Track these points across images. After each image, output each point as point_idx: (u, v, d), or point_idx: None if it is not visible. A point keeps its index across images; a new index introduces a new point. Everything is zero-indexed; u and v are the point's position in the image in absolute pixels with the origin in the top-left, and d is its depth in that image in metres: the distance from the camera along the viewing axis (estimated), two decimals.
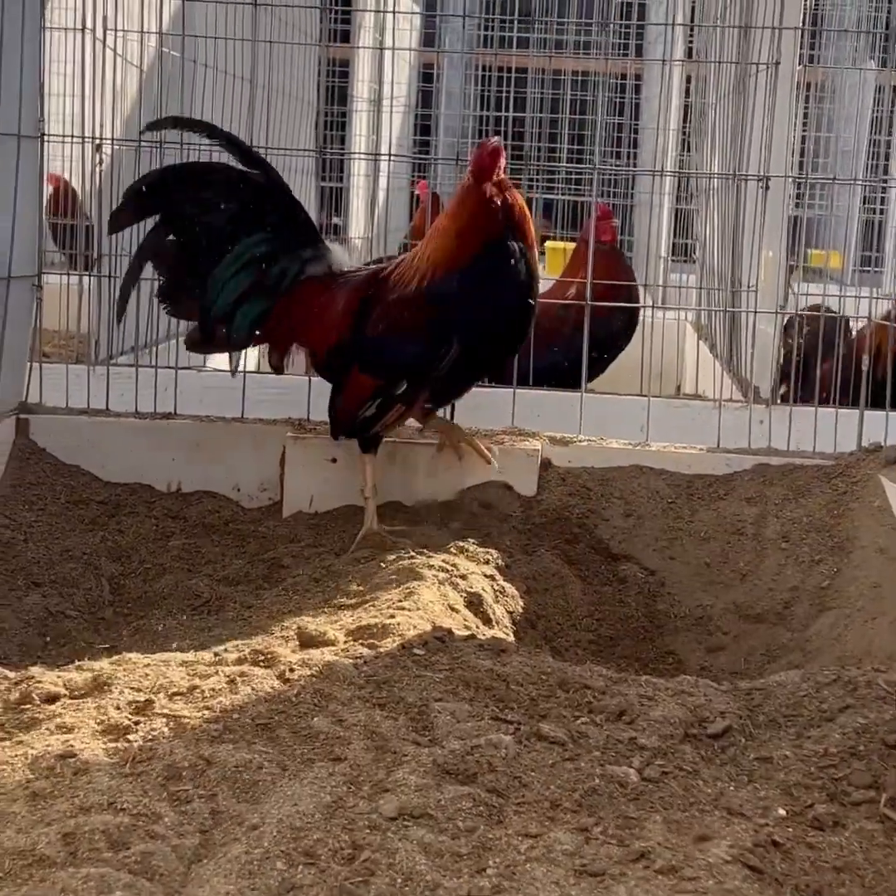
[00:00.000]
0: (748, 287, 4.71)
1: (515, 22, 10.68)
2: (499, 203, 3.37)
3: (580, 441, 3.86)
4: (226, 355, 4.16)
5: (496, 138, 3.49)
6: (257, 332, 3.62)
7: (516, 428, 3.93)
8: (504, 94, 11.49)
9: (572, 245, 8.72)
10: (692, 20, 8.15)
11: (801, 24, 4.60)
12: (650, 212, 9.29)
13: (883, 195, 8.50)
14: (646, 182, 10.33)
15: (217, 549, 3.56)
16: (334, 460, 3.76)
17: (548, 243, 8.56)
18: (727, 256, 5.35)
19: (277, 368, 3.71)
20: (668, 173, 8.04)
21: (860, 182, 8.55)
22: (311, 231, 3.68)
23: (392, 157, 8.71)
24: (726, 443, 4.10)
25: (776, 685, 2.57)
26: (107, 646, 3.13)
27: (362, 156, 8.73)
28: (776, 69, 4.50)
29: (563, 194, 10.74)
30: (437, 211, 8.35)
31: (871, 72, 9.98)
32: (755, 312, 4.60)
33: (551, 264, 8.33)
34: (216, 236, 3.56)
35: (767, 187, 4.47)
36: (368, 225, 9.11)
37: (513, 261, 3.41)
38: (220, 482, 3.87)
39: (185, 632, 3.14)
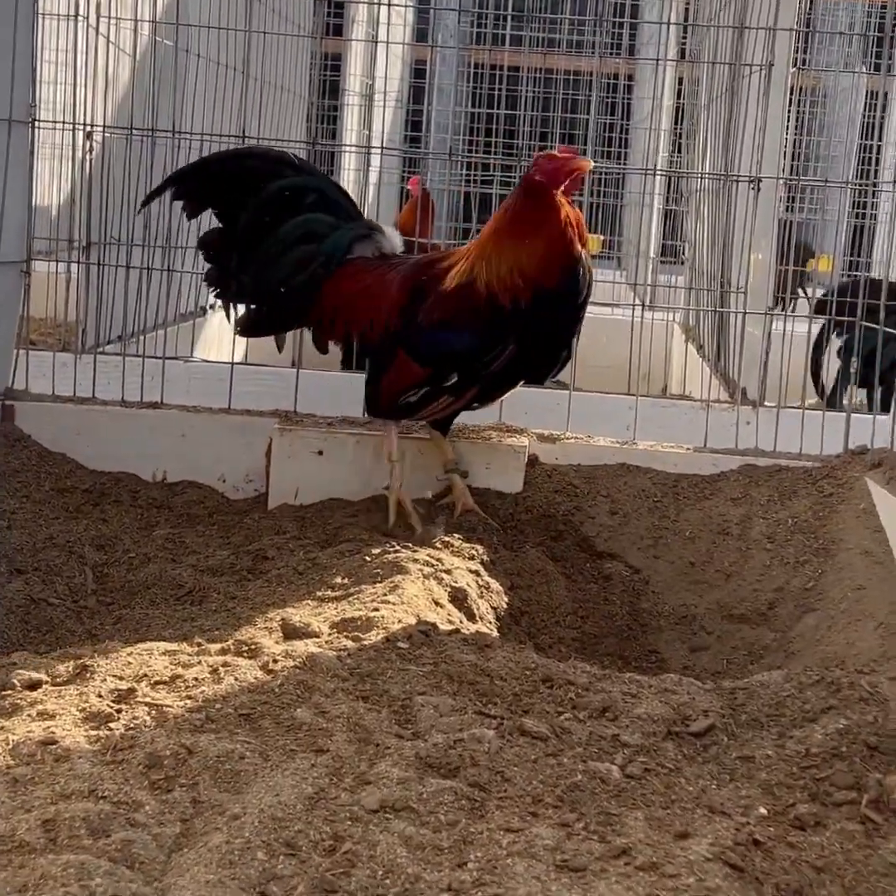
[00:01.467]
0: (737, 288, 4.72)
1: (508, 20, 10.66)
2: (575, 219, 3.37)
3: (567, 438, 3.86)
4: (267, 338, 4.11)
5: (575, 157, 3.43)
6: (306, 313, 3.64)
7: (504, 424, 3.93)
8: (496, 92, 11.52)
9: None
10: (686, 20, 8.15)
11: (795, 27, 4.60)
12: (640, 212, 9.31)
13: (873, 200, 8.51)
14: (636, 182, 10.35)
15: (201, 539, 3.55)
16: (320, 453, 3.76)
17: None
18: (717, 258, 5.36)
19: (323, 351, 3.73)
20: (660, 172, 8.04)
21: (851, 185, 8.56)
22: (355, 210, 3.70)
23: (383, 151, 8.68)
24: (713, 443, 4.11)
25: (759, 685, 2.57)
26: (89, 634, 3.13)
27: (353, 148, 8.72)
28: (770, 71, 4.50)
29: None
30: (427, 208, 8.37)
31: (862, 76, 10.01)
32: (744, 313, 4.60)
33: None
34: (261, 217, 3.59)
35: (758, 189, 4.47)
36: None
37: (585, 278, 3.43)
38: (205, 472, 3.86)
39: (168, 621, 3.13)
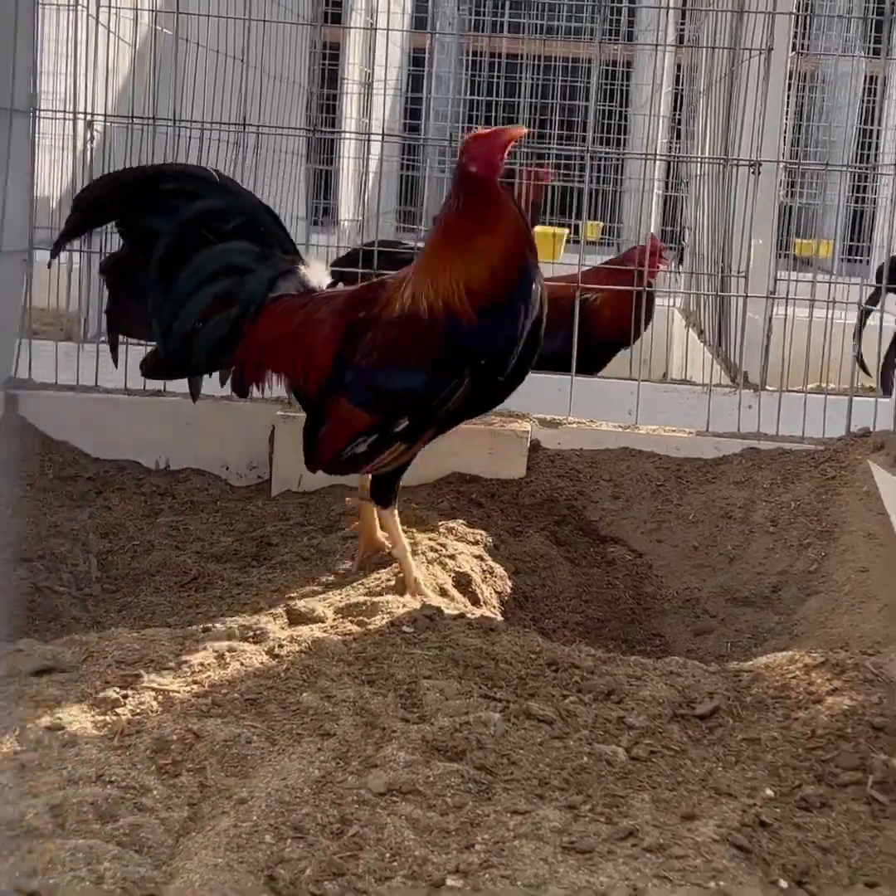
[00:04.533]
0: (738, 272, 4.71)
1: (507, 7, 10.64)
2: (522, 217, 2.98)
3: (569, 423, 3.86)
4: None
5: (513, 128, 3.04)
6: (223, 356, 3.16)
7: (505, 409, 3.92)
8: (494, 80, 11.51)
9: (562, 231, 8.73)
10: (684, 5, 8.14)
11: (795, 10, 4.59)
12: (640, 198, 9.29)
13: (872, 184, 8.50)
14: (635, 168, 10.33)
15: (205, 526, 3.55)
16: None
17: (537, 228, 8.54)
18: (717, 242, 5.36)
19: (242, 395, 3.25)
20: (660, 157, 8.03)
21: (851, 168, 8.56)
22: (284, 241, 3.22)
23: (384, 138, 8.67)
24: (715, 427, 4.11)
25: (764, 667, 2.58)
26: (94, 622, 3.13)
27: (353, 135, 8.70)
28: (769, 55, 4.49)
29: (552, 179, 10.71)
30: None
31: (861, 61, 9.99)
32: (745, 297, 4.59)
33: (540, 250, 8.32)
34: (175, 247, 3.13)
35: (758, 173, 4.47)
36: (358, 208, 9.09)
37: (538, 288, 2.99)
38: (208, 460, 3.87)
39: (172, 608, 3.13)
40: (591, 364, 5.17)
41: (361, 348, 3.03)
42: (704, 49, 6.26)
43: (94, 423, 3.89)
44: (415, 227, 12.07)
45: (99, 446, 3.85)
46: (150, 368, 3.28)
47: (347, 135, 8.61)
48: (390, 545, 3.15)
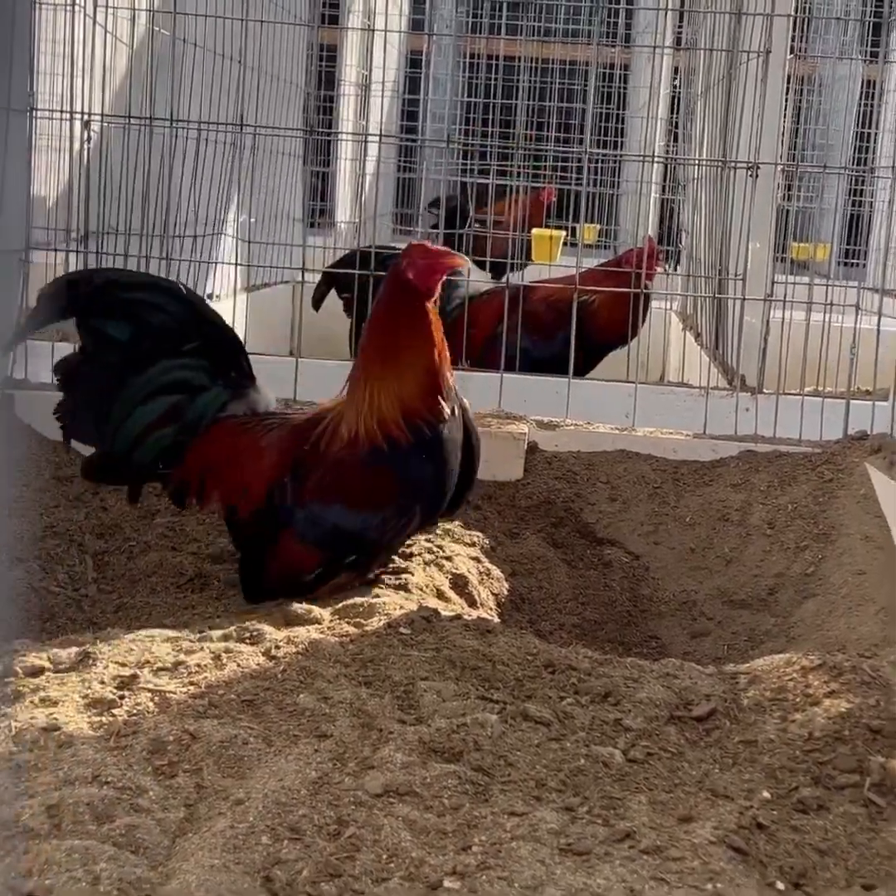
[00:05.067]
0: (735, 275, 4.71)
1: (504, 8, 10.65)
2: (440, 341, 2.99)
3: (567, 425, 3.86)
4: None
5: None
6: (163, 468, 3.14)
7: (503, 411, 3.93)
8: (492, 81, 11.50)
9: (559, 233, 8.73)
10: (682, 7, 8.14)
11: (792, 13, 4.60)
12: (637, 201, 9.30)
13: (870, 187, 8.50)
14: (633, 171, 10.34)
15: (202, 527, 3.54)
16: None
17: (534, 231, 8.54)
18: (715, 245, 5.36)
19: (179, 506, 3.22)
20: (658, 159, 8.03)
21: (849, 171, 8.56)
22: (240, 363, 3.24)
23: (381, 139, 8.68)
24: (712, 430, 4.11)
25: (761, 669, 2.58)
26: (90, 622, 3.12)
27: (350, 136, 8.70)
28: (767, 57, 4.50)
29: (549, 182, 10.72)
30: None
31: (859, 64, 10.00)
32: (742, 300, 4.60)
33: (537, 252, 8.31)
34: (132, 354, 3.11)
35: (756, 176, 4.47)
36: (355, 210, 9.09)
37: (449, 425, 3.00)
38: None
39: (169, 609, 3.13)
40: (586, 365, 5.18)
41: (312, 485, 3.01)
42: (702, 51, 6.26)
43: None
44: (411, 228, 12.09)
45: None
46: (92, 471, 3.24)
47: (344, 136, 8.60)
48: None
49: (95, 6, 4.58)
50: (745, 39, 4.82)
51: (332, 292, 5.38)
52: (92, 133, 4.59)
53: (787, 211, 7.70)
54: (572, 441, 3.80)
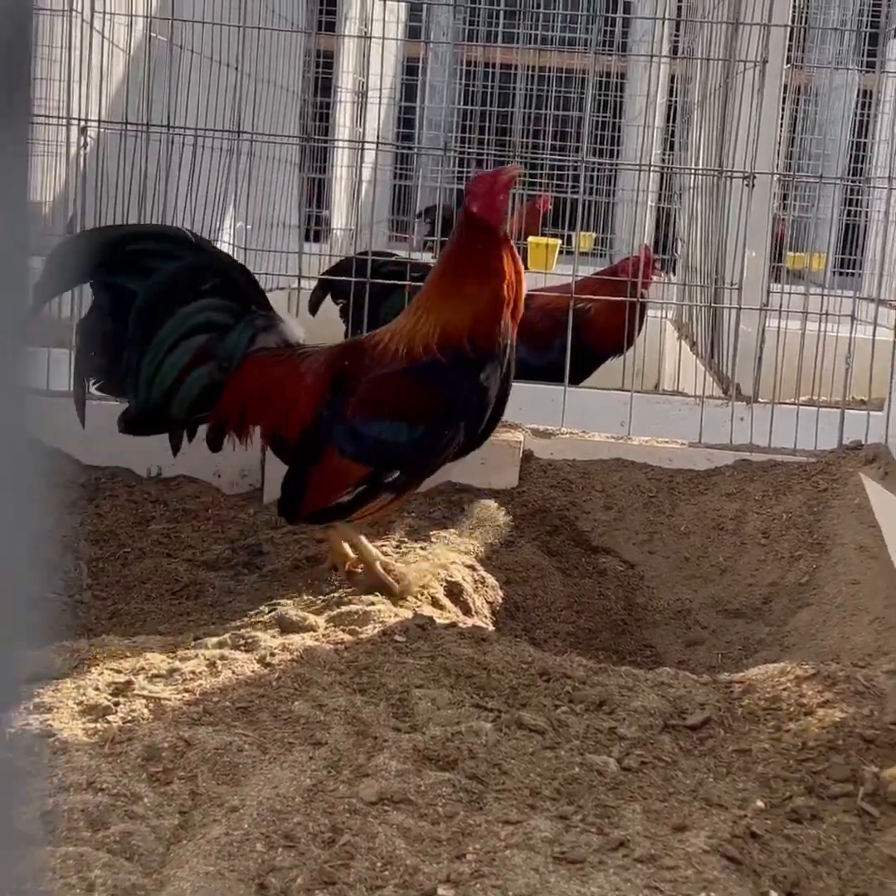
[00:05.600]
0: (731, 284, 4.72)
1: (501, 16, 10.68)
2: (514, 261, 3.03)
3: (562, 434, 3.86)
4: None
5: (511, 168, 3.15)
6: (202, 411, 3.18)
7: None
8: (488, 89, 11.52)
9: (555, 241, 8.75)
10: (679, 16, 8.16)
11: (789, 23, 4.61)
12: (634, 209, 9.31)
13: (867, 197, 8.52)
14: (629, 180, 10.35)
15: (197, 534, 3.54)
16: None
17: (531, 239, 8.56)
18: (711, 254, 5.36)
19: (215, 449, 3.24)
20: (654, 168, 8.04)
21: (844, 181, 8.58)
22: (260, 297, 3.25)
23: (378, 147, 8.69)
24: (707, 439, 4.11)
25: (756, 678, 2.58)
26: (85, 628, 3.12)
27: (347, 144, 8.71)
28: (764, 67, 4.51)
29: (546, 190, 10.74)
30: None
31: (855, 74, 10.02)
32: (738, 309, 4.60)
33: (533, 260, 8.33)
34: (153, 303, 3.15)
35: (752, 185, 4.48)
36: (351, 217, 9.10)
37: (504, 348, 3.04)
38: (200, 468, 3.85)
39: (164, 616, 3.13)
40: (583, 373, 5.19)
41: (355, 401, 3.04)
42: (699, 60, 6.28)
43: (86, 430, 3.87)
44: (407, 235, 12.10)
45: (91, 453, 3.84)
46: (129, 424, 3.25)
47: (341, 143, 8.61)
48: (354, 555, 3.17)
49: (93, 12, 4.58)
50: (741, 49, 4.83)
51: (328, 298, 5.38)
52: (88, 139, 4.59)
53: (784, 220, 7.71)
54: (568, 449, 3.80)
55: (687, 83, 7.20)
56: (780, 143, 5.14)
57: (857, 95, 10.44)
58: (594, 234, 10.94)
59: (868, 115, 10.08)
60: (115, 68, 4.86)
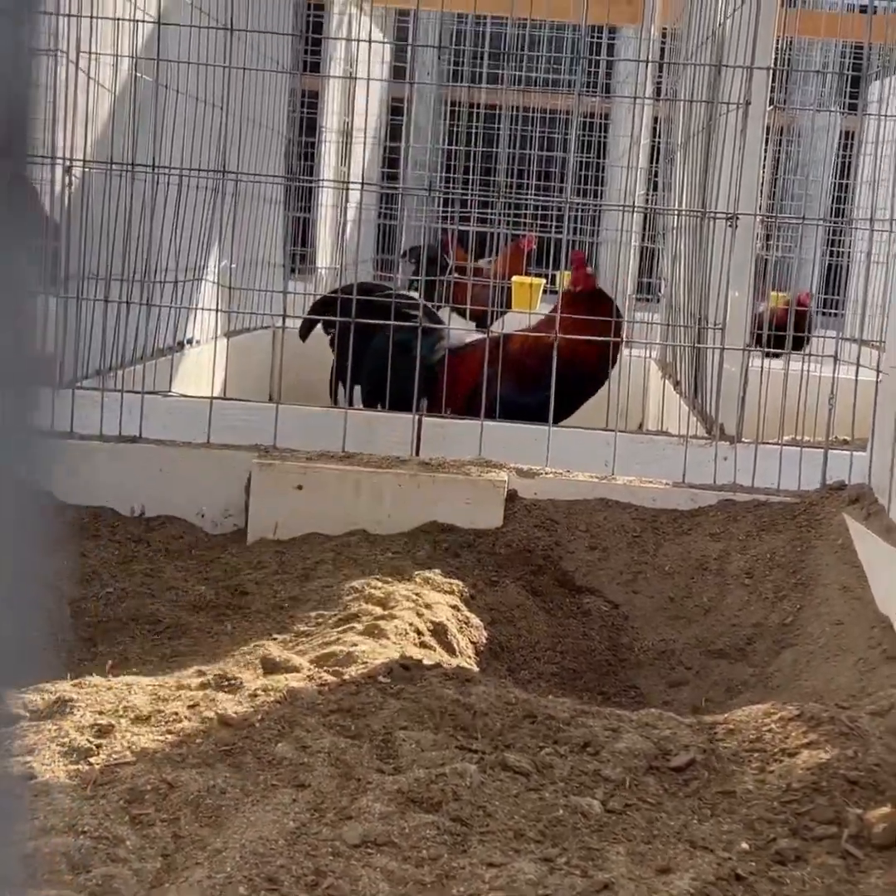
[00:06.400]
0: (715, 325, 4.74)
1: (486, 57, 10.73)
2: None
3: (546, 473, 3.86)
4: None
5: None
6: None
7: (483, 459, 3.93)
8: (473, 130, 11.57)
9: (538, 281, 8.78)
10: (662, 58, 8.21)
11: (772, 65, 4.64)
12: (618, 249, 9.35)
13: (849, 237, 8.57)
14: (613, 220, 10.40)
15: (180, 574, 3.54)
16: (300, 487, 3.75)
17: (514, 279, 8.59)
18: (694, 295, 5.39)
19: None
20: (638, 208, 8.08)
21: (827, 223, 8.62)
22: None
23: (363, 187, 8.72)
24: (691, 479, 4.12)
25: (740, 720, 2.58)
26: (67, 669, 3.11)
27: (331, 184, 8.74)
28: (747, 109, 4.53)
29: (530, 230, 10.78)
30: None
31: (837, 116, 10.10)
32: (722, 350, 4.62)
33: (517, 300, 8.36)
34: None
35: (736, 226, 4.50)
36: (336, 255, 9.11)
37: None
38: (184, 507, 3.85)
39: (146, 657, 3.12)
40: (568, 409, 5.19)
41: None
42: (682, 102, 6.31)
43: (69, 470, 3.87)
44: (391, 274, 12.12)
45: (74, 493, 3.83)
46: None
47: (326, 184, 8.63)
48: None
49: (79, 52, 4.60)
50: (724, 91, 4.86)
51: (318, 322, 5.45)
52: (73, 177, 4.60)
53: (766, 260, 7.74)
54: (552, 489, 3.80)
55: (670, 124, 7.24)
56: (762, 184, 5.16)
57: (840, 137, 10.51)
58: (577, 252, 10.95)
59: (850, 157, 10.15)
60: (100, 107, 4.87)
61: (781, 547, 3.59)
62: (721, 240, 4.69)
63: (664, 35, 8.34)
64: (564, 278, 9.69)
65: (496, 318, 6.81)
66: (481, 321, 8.76)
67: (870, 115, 8.88)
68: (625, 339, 6.09)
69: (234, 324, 6.78)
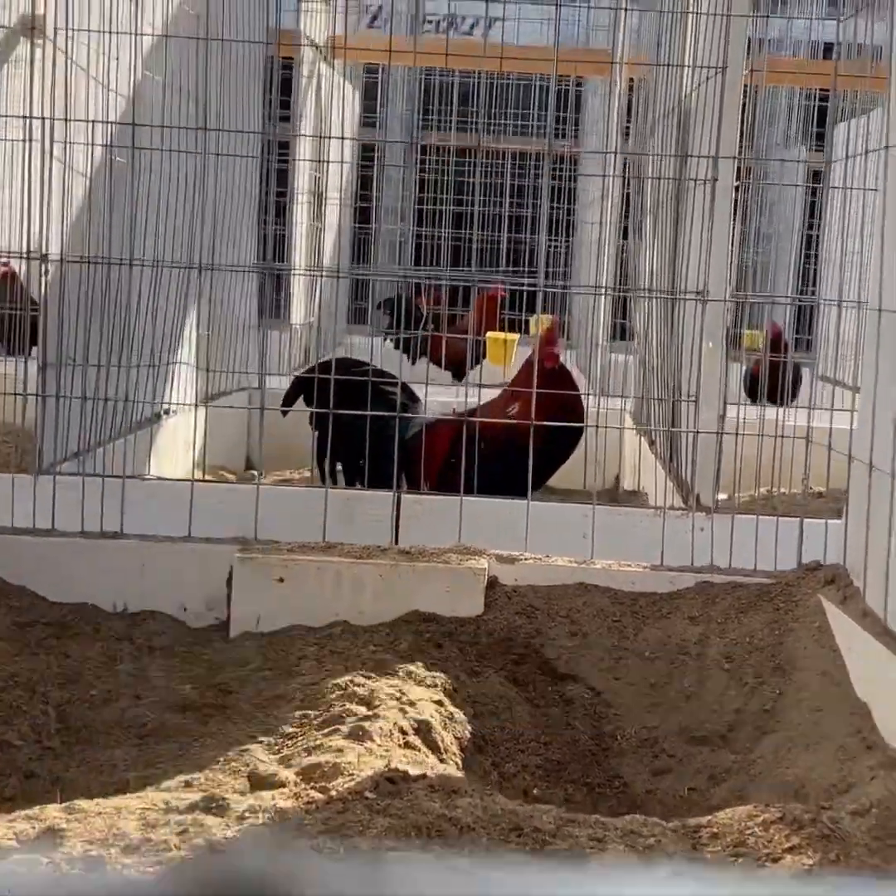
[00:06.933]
0: (688, 397, 4.79)
1: (455, 105, 10.82)
2: None
3: (525, 559, 3.89)
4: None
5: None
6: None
7: (462, 545, 3.96)
8: (444, 178, 11.67)
9: (513, 336, 8.82)
10: (629, 116, 8.27)
11: (736, 154, 4.68)
12: (591, 301, 9.41)
13: (816, 316, 8.66)
14: (585, 270, 10.46)
15: (164, 673, 3.55)
16: (281, 580, 3.77)
17: (489, 335, 8.64)
18: (667, 366, 5.44)
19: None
20: (608, 292, 8.16)
21: (795, 301, 8.74)
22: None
23: (337, 276, 8.77)
24: (668, 549, 4.16)
25: (723, 823, 2.61)
26: (52, 775, 3.12)
27: (303, 273, 8.78)
28: (714, 185, 4.59)
29: (502, 282, 10.84)
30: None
31: (802, 163, 10.19)
32: (696, 433, 4.67)
33: (492, 355, 8.41)
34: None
35: (705, 303, 4.56)
36: (309, 312, 9.15)
37: None
38: (166, 602, 3.87)
39: (132, 763, 3.12)
40: (543, 476, 5.20)
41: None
42: (649, 180, 6.37)
43: (52, 567, 3.89)
44: (365, 323, 12.17)
45: (57, 590, 3.85)
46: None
47: (298, 273, 8.68)
48: None
49: (52, 142, 4.63)
50: (691, 167, 4.92)
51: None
52: (48, 267, 4.63)
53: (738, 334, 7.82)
54: (531, 575, 3.83)
55: (640, 183, 7.29)
56: (732, 259, 5.19)
57: (805, 209, 10.64)
58: (553, 317, 10.97)
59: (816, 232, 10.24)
60: (74, 195, 4.90)
61: (760, 630, 3.63)
62: (691, 314, 4.75)
63: (631, 86, 8.42)
64: (541, 322, 9.75)
65: (471, 368, 6.84)
66: (458, 371, 8.82)
67: (835, 187, 8.98)
68: (598, 394, 6.14)
69: (211, 388, 6.82)
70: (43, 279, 4.58)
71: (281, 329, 9.06)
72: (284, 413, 5.40)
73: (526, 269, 11.84)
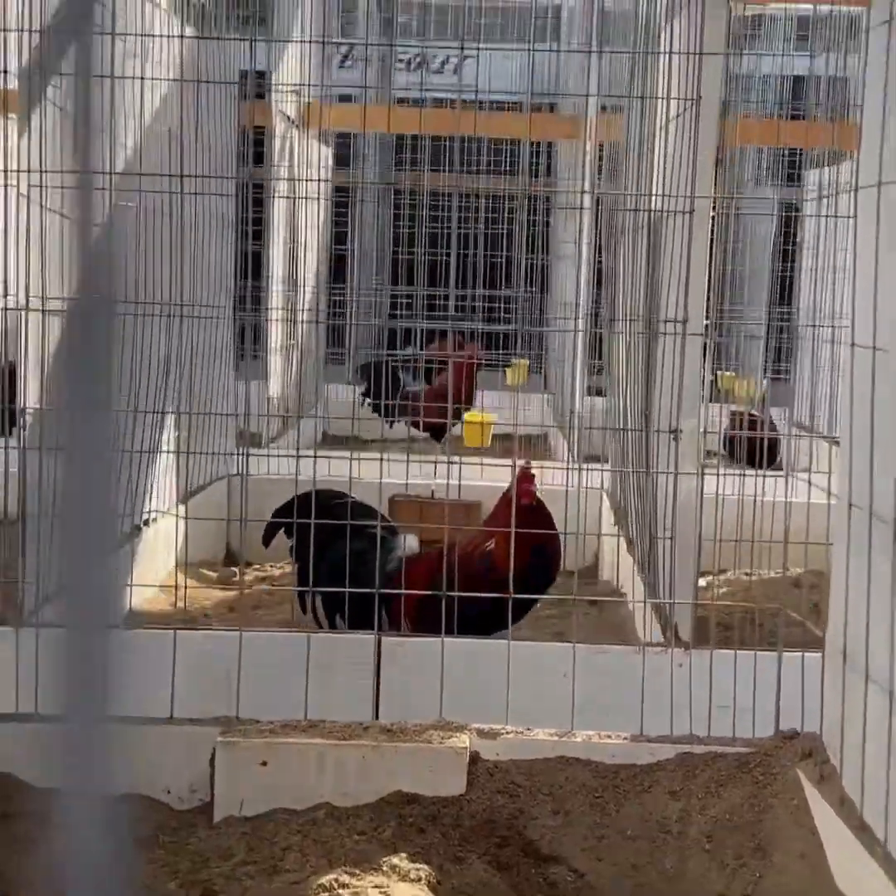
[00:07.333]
0: (664, 535, 4.83)
1: (427, 164, 10.83)
2: None
3: (506, 733, 3.90)
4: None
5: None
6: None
7: (444, 720, 3.97)
8: (419, 220, 11.67)
9: (490, 417, 8.83)
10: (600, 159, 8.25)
11: (712, 208, 4.76)
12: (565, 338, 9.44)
13: (794, 355, 8.69)
14: (561, 312, 10.48)
15: (149, 867, 3.55)
16: (264, 763, 3.79)
17: (465, 416, 8.63)
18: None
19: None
20: (580, 331, 8.18)
21: (773, 339, 8.78)
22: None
23: (315, 323, 8.80)
24: (648, 686, 4.23)
25: None
26: None
27: (279, 321, 8.78)
28: (691, 216, 4.61)
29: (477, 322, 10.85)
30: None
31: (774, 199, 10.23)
32: (672, 565, 4.71)
33: (468, 438, 8.41)
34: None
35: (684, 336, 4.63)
36: (286, 382, 9.16)
37: None
38: (149, 784, 3.86)
39: None
40: (521, 610, 5.21)
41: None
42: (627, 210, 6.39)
43: (35, 754, 3.89)
44: (343, 365, 12.19)
45: (41, 776, 3.85)
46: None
47: (273, 321, 8.69)
48: None
49: (29, 186, 4.60)
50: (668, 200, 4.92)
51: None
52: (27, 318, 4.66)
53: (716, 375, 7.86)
54: (512, 750, 3.84)
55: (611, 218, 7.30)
56: (710, 293, 5.23)
57: (780, 214, 10.67)
58: (526, 362, 10.97)
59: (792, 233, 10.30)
60: (52, 238, 4.89)
61: (740, 805, 3.65)
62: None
63: (600, 148, 8.44)
64: (519, 367, 9.77)
65: (448, 431, 6.86)
66: (436, 433, 8.84)
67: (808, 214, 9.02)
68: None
69: (191, 483, 6.83)
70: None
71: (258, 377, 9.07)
72: (267, 543, 5.44)
73: (502, 314, 11.86)
